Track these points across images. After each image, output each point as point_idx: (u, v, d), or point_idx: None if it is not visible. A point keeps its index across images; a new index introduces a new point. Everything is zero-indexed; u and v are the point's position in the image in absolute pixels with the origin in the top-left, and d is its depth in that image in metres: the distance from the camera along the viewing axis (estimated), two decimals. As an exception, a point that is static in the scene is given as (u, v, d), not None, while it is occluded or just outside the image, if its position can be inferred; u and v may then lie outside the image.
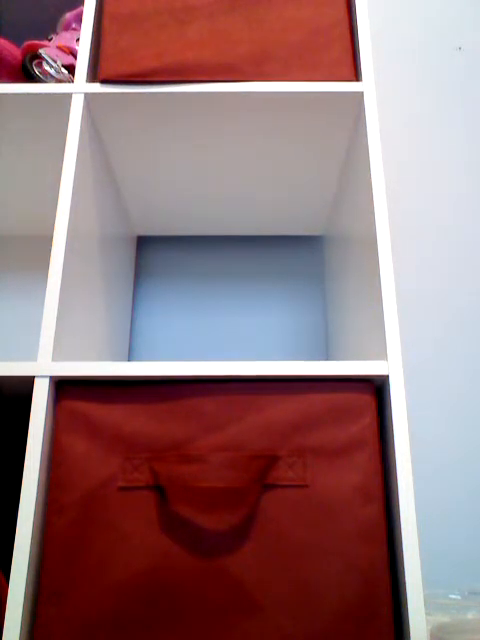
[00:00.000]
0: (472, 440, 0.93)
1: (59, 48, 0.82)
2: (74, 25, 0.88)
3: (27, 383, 0.57)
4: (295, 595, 0.51)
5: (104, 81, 0.69)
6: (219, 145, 0.79)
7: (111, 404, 0.56)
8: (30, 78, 0.80)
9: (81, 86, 0.69)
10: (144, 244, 1.05)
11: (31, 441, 0.54)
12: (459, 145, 1.13)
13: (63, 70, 0.79)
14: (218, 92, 0.68)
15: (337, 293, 0.87)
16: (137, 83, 0.69)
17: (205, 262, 1.04)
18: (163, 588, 0.51)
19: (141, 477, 0.54)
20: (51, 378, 0.56)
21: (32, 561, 0.52)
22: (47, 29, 0.93)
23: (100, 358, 0.77)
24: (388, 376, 0.56)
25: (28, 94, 0.70)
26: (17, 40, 0.86)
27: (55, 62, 0.79)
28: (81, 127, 0.67)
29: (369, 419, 0.55)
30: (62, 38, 0.84)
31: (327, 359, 0.97)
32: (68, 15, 0.89)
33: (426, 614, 0.49)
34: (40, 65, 0.80)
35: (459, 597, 0.74)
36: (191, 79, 0.69)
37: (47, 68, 0.79)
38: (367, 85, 0.69)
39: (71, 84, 0.69)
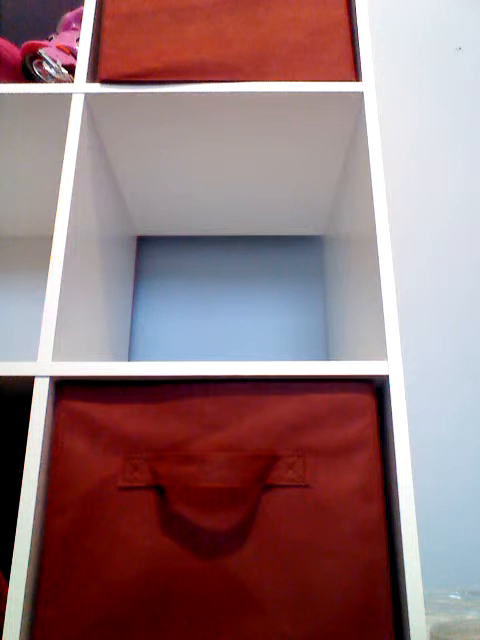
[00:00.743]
0: (472, 440, 0.93)
1: (59, 48, 0.82)
2: (74, 25, 0.88)
3: (27, 383, 0.57)
4: (295, 595, 0.51)
5: (104, 81, 0.69)
6: (219, 145, 0.79)
7: (111, 404, 0.56)
8: (30, 78, 0.80)
9: (81, 86, 0.69)
10: (144, 244, 1.05)
11: (31, 441, 0.54)
12: (459, 145, 1.13)
13: (63, 70, 0.79)
14: (218, 92, 0.68)
15: (337, 293, 0.87)
16: (137, 83, 0.69)
17: (205, 262, 1.04)
18: (163, 588, 0.51)
19: (141, 477, 0.54)
20: (51, 378, 0.56)
21: (32, 561, 0.52)
22: (47, 29, 0.94)
23: (100, 358, 0.77)
24: (388, 376, 0.56)
25: (28, 94, 0.70)
26: (17, 40, 0.86)
27: (55, 62, 0.79)
28: (81, 127, 0.67)
29: (369, 419, 0.55)
30: (62, 38, 0.84)
31: (327, 359, 0.97)
32: (68, 15, 0.89)
33: (426, 614, 0.49)
34: (40, 65, 0.80)
35: (459, 597, 0.74)
36: (191, 79, 0.69)
37: (47, 68, 0.79)
38: (367, 85, 0.69)
39: (71, 84, 0.69)
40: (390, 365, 0.56)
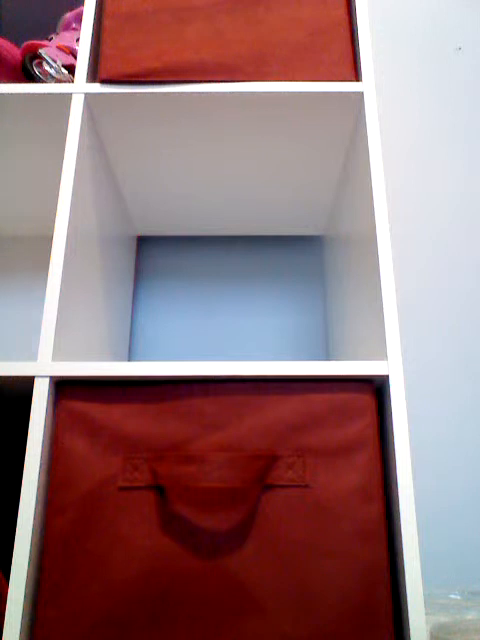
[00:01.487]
0: (472, 440, 0.93)
1: (59, 48, 0.82)
2: (74, 25, 0.88)
3: (27, 383, 0.57)
4: (295, 595, 0.51)
5: (104, 81, 0.69)
6: (219, 145, 0.79)
7: (111, 404, 0.56)
8: (30, 78, 0.80)
9: (81, 86, 0.69)
10: (144, 244, 1.05)
11: (31, 441, 0.54)
12: (459, 145, 1.13)
13: (63, 70, 0.79)
14: (218, 92, 0.68)
15: (337, 293, 0.87)
16: (137, 83, 0.69)
17: (205, 262, 1.04)
18: (163, 588, 0.51)
19: (141, 477, 0.54)
20: (51, 378, 0.56)
21: (32, 561, 0.52)
22: (47, 29, 0.94)
23: (100, 358, 0.77)
24: (388, 376, 0.56)
25: (28, 94, 0.70)
26: (17, 40, 0.86)
27: (55, 62, 0.79)
28: (81, 127, 0.67)
29: (369, 419, 0.55)
30: (62, 38, 0.84)
31: (327, 359, 0.97)
32: (68, 15, 0.89)
33: (426, 614, 0.49)
34: (40, 65, 0.80)
35: (459, 597, 0.74)
36: (191, 79, 0.69)
37: (47, 68, 0.79)
38: (367, 85, 0.69)
39: (71, 84, 0.69)
40: (390, 365, 0.56)
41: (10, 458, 0.70)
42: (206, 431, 0.55)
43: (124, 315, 0.93)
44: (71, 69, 0.81)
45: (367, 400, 0.56)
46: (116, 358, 0.87)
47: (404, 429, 0.54)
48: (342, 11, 0.72)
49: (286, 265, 1.04)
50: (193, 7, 0.72)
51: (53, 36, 0.86)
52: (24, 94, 0.70)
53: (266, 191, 0.90)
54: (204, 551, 0.52)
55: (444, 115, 1.15)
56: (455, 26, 1.22)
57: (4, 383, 0.60)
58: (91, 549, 0.52)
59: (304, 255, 1.04)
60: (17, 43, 0.84)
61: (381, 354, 0.59)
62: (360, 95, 0.69)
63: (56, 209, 0.94)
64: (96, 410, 0.56)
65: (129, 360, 0.97)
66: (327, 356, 0.97)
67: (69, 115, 0.68)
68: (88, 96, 0.69)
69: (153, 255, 1.05)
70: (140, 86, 0.69)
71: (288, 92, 0.68)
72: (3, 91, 0.70)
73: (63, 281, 0.61)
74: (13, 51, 0.82)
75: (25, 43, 0.82)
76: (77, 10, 0.88)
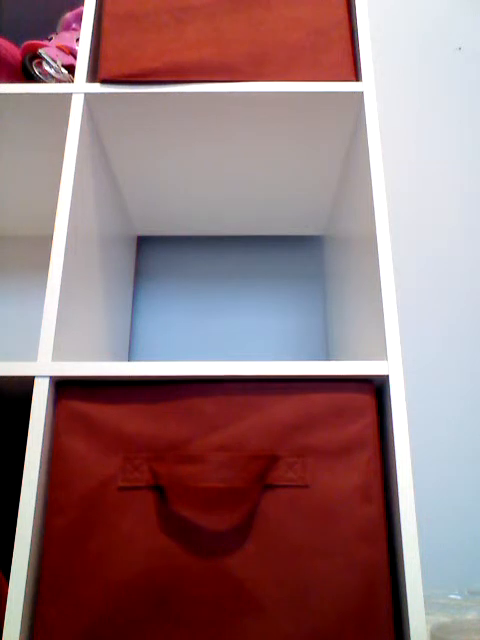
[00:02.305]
0: (472, 440, 0.93)
1: (59, 48, 0.82)
2: (74, 25, 0.88)
3: (27, 383, 0.57)
4: (295, 595, 0.51)
5: (104, 81, 0.69)
6: (219, 145, 0.79)
7: (111, 404, 0.56)
8: (30, 78, 0.80)
9: (81, 86, 0.69)
10: (144, 244, 1.05)
11: (31, 441, 0.54)
12: (459, 145, 1.13)
13: (63, 70, 0.79)
14: (218, 92, 0.68)
15: (337, 293, 0.87)
16: (137, 83, 0.69)
17: (205, 262, 1.04)
18: (163, 588, 0.51)
19: (141, 477, 0.54)
20: (51, 378, 0.56)
21: (32, 561, 0.52)
22: (47, 29, 0.94)
23: (100, 358, 0.77)
24: (388, 376, 0.56)
25: (28, 94, 0.70)
26: (17, 40, 0.86)
27: (55, 62, 0.79)
28: (81, 127, 0.67)
29: (369, 419, 0.55)
30: (62, 38, 0.84)
31: (327, 359, 0.97)
32: (68, 15, 0.89)
33: (426, 614, 0.49)
34: (40, 65, 0.80)
35: (459, 597, 0.74)
36: (191, 79, 0.69)
37: (47, 68, 0.79)
38: (367, 85, 0.69)
39: (71, 84, 0.69)
40: (390, 365, 0.56)
41: (10, 458, 0.70)
42: (206, 431, 0.55)
43: (124, 315, 0.93)
44: (71, 69, 0.81)
45: (367, 400, 0.56)
46: (116, 358, 0.87)
47: (404, 429, 0.54)
48: (342, 11, 0.72)
49: (286, 265, 1.04)
50: (193, 7, 0.72)
51: (53, 36, 0.86)
52: (24, 94, 0.70)
53: (266, 191, 0.90)
54: (204, 551, 0.52)
55: (444, 115, 1.15)
56: (455, 26, 1.22)
57: (4, 383, 0.60)
58: (91, 549, 0.52)
59: (304, 255, 1.04)
60: (17, 43, 0.84)
61: (381, 354, 0.58)
62: (360, 95, 0.69)
63: (56, 209, 0.94)
64: (96, 410, 0.56)
65: (129, 360, 0.97)
66: (327, 356, 0.97)
67: (69, 115, 0.68)
68: (88, 96, 0.69)
69: (153, 255, 1.05)
70: (140, 86, 0.69)
71: (288, 92, 0.68)
72: (3, 91, 0.70)
73: (63, 281, 0.61)
74: (13, 51, 0.82)
75: (25, 43, 0.82)
76: (77, 10, 0.88)
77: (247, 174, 0.85)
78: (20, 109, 0.72)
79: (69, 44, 0.83)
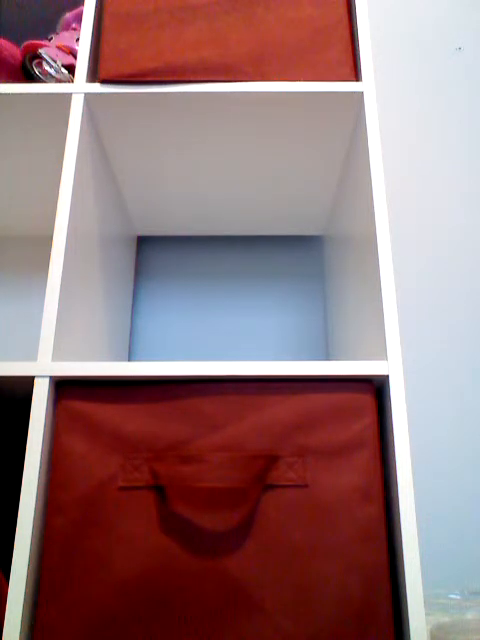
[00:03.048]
0: (472, 440, 0.93)
1: (59, 48, 0.82)
2: (74, 25, 0.88)
3: (27, 383, 0.57)
4: (295, 595, 0.51)
5: (104, 81, 0.69)
6: (219, 145, 0.79)
7: (111, 404, 0.56)
8: (30, 78, 0.80)
9: (81, 86, 0.69)
10: (144, 244, 1.05)
11: (31, 441, 0.54)
12: (459, 145, 1.13)
13: (63, 70, 0.79)
14: (218, 92, 0.68)
15: (337, 293, 0.87)
16: (137, 83, 0.69)
17: (205, 262, 1.04)
18: (163, 588, 0.51)
19: (141, 477, 0.54)
20: (51, 378, 0.56)
21: (32, 561, 0.52)
22: (47, 29, 0.93)
23: (100, 358, 0.77)
24: (388, 376, 0.56)
25: (28, 94, 0.70)
26: (17, 40, 0.86)
27: (55, 62, 0.79)
28: (81, 127, 0.67)
29: (369, 419, 0.55)
30: (62, 38, 0.85)
31: (327, 359, 0.97)
32: (68, 15, 0.89)
33: (426, 614, 0.49)
34: (40, 65, 0.80)
35: (459, 597, 0.74)
36: (191, 79, 0.69)
37: (47, 68, 0.79)
38: (367, 85, 0.69)
39: (71, 84, 0.69)
40: (390, 365, 0.56)
41: (10, 458, 0.70)
42: (206, 431, 0.55)
43: (124, 315, 0.93)
44: (71, 69, 0.81)
45: (367, 400, 0.56)
46: (116, 358, 0.87)
47: (404, 429, 0.54)
48: (342, 11, 0.72)
49: (286, 265, 1.04)
50: (193, 7, 0.72)
51: (53, 36, 0.86)
52: (24, 94, 0.70)
53: (266, 191, 0.90)
54: (204, 551, 0.52)
55: (444, 115, 1.15)
56: (455, 26, 1.22)
57: (4, 383, 0.60)
58: (91, 549, 0.52)
59: (304, 255, 1.04)
60: (17, 43, 0.84)
61: (381, 354, 0.58)
62: (360, 95, 0.69)
63: (56, 209, 0.94)
64: (96, 410, 0.56)
65: (129, 360, 0.97)
66: (327, 356, 0.97)
67: (69, 115, 0.68)
68: (88, 96, 0.69)
69: (153, 255, 1.05)
70: (140, 86, 0.69)
71: (288, 92, 0.68)
72: (3, 91, 0.70)
73: (63, 281, 0.61)
74: (13, 51, 0.82)
75: (25, 43, 0.82)
76: (77, 10, 0.88)
77: (247, 174, 0.85)
78: (20, 109, 0.72)
79: (69, 44, 0.83)
